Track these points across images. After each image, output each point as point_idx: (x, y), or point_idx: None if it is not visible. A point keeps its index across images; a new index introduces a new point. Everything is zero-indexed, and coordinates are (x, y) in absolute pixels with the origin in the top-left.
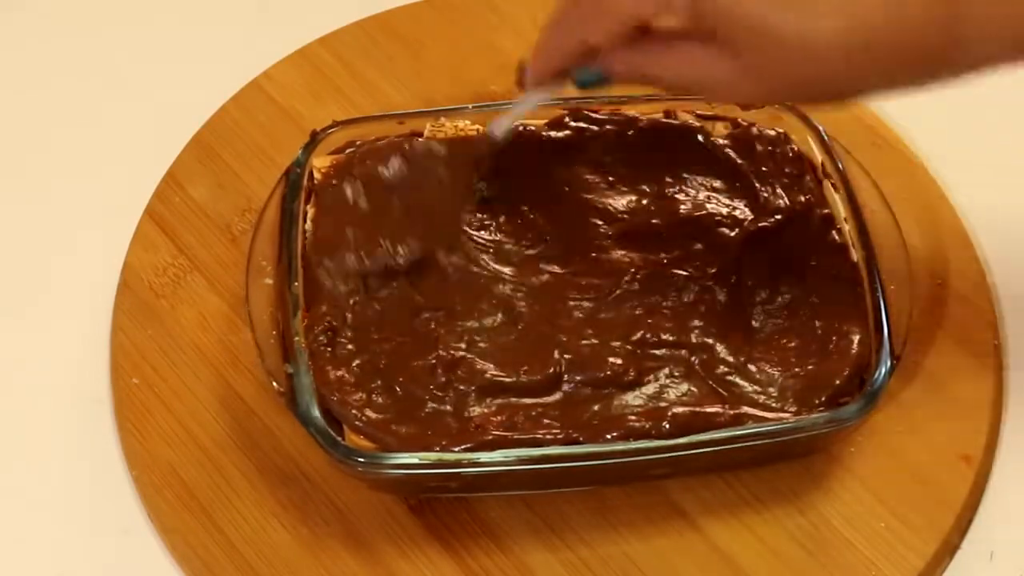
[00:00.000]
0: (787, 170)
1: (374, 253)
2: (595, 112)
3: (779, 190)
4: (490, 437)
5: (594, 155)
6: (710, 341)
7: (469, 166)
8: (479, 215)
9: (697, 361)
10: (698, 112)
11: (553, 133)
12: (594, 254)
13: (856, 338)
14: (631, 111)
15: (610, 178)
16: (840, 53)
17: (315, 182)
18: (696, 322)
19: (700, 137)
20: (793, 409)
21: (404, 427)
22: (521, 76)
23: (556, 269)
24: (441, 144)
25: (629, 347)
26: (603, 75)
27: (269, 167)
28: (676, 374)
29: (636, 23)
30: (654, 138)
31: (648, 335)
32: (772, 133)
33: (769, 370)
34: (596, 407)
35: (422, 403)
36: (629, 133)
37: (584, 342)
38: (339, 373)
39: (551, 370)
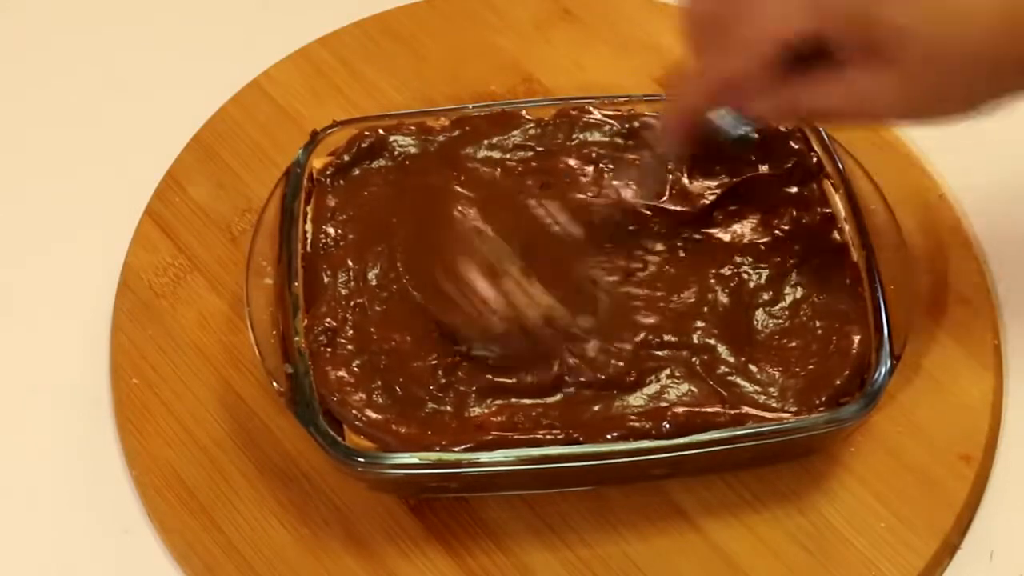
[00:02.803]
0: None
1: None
2: (595, 111)
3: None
4: (490, 437)
5: (590, 153)
6: (711, 342)
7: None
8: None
9: (698, 362)
10: None
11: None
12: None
13: (856, 338)
14: (631, 111)
15: (608, 177)
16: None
17: (315, 182)
18: (698, 323)
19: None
20: (793, 409)
21: (404, 427)
22: (655, 137)
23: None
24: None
25: (630, 348)
26: (755, 122)
27: (269, 167)
28: (677, 374)
29: (781, 48)
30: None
31: (650, 336)
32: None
33: (770, 370)
34: (596, 407)
35: (422, 403)
36: (628, 130)
37: (586, 344)
38: (339, 373)
39: (552, 371)
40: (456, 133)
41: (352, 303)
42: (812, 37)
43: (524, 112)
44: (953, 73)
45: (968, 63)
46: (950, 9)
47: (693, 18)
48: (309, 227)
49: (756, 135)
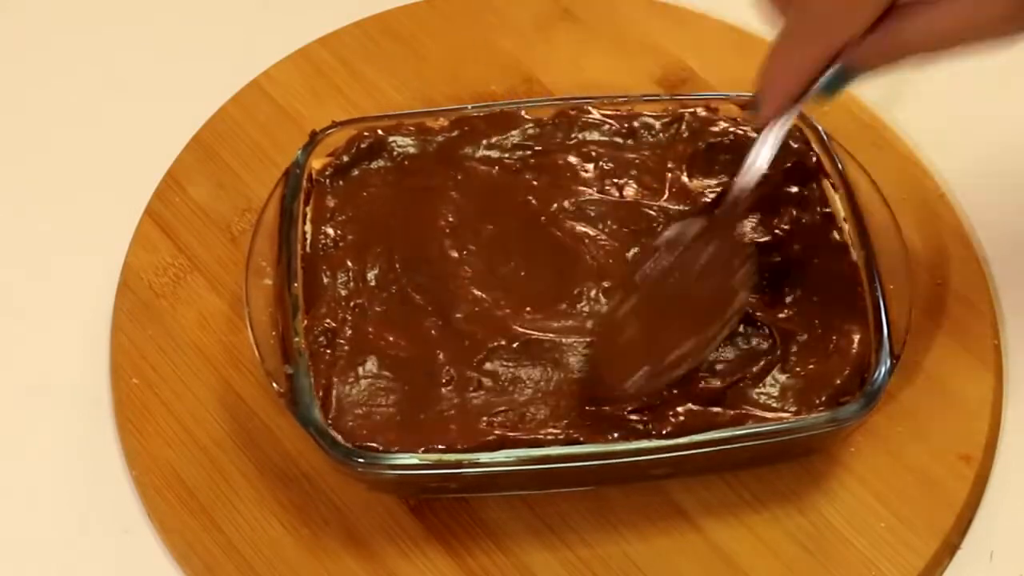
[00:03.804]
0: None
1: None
2: (596, 110)
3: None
4: (490, 437)
5: (589, 152)
6: None
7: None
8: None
9: None
10: (698, 112)
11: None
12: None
13: (856, 338)
14: (631, 110)
15: (608, 176)
16: None
17: (315, 182)
18: None
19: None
20: (793, 409)
21: (404, 427)
22: (754, 109)
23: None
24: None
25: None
26: (848, 70)
27: (269, 167)
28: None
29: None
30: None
31: None
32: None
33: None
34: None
35: (422, 403)
36: (627, 128)
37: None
38: (339, 374)
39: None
40: (455, 133)
41: (352, 304)
42: None
43: (524, 112)
44: None
45: None
46: None
47: None
48: (308, 228)
49: (855, 73)
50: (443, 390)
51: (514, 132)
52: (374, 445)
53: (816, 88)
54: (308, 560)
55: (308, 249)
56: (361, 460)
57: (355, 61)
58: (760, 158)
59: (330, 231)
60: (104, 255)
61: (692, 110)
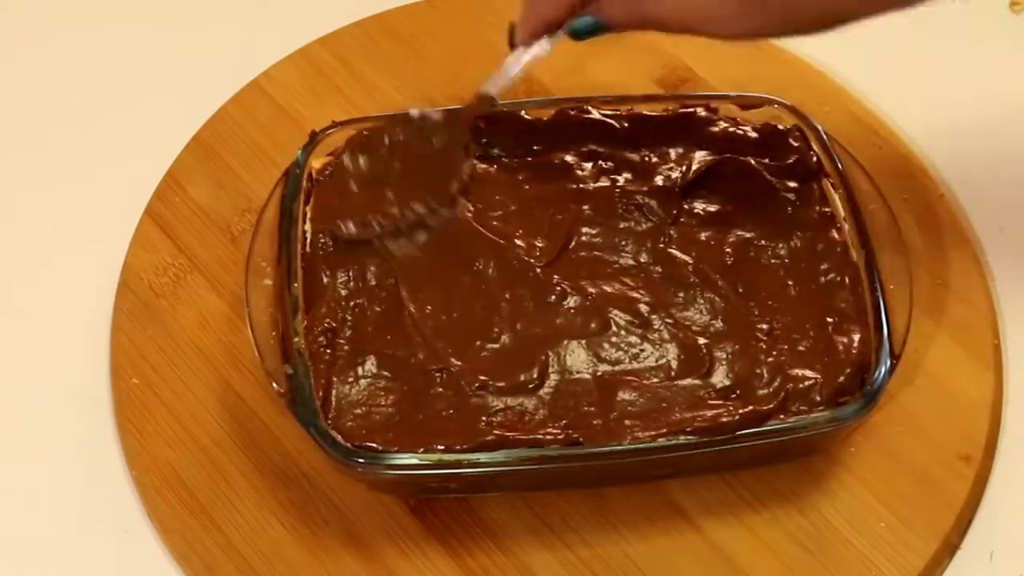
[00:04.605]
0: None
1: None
2: (596, 110)
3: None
4: (490, 437)
5: (593, 145)
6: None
7: (465, 127)
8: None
9: None
10: (698, 112)
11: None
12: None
13: (856, 338)
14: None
15: (609, 172)
16: None
17: (315, 182)
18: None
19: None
20: (794, 409)
21: (404, 427)
22: (512, 35)
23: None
24: (436, 111)
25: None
26: (600, 23)
27: (269, 167)
28: None
29: None
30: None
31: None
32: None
33: None
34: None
35: (422, 403)
36: (626, 126)
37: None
38: (339, 374)
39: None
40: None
41: (351, 304)
42: None
43: (524, 112)
44: None
45: None
46: None
47: None
48: (308, 227)
49: (604, 28)
50: (443, 389)
51: (514, 132)
52: (374, 445)
53: (565, 28)
54: (308, 560)
55: (308, 249)
56: (361, 460)
57: (355, 61)
58: (505, 71)
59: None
60: (104, 255)
61: (692, 110)
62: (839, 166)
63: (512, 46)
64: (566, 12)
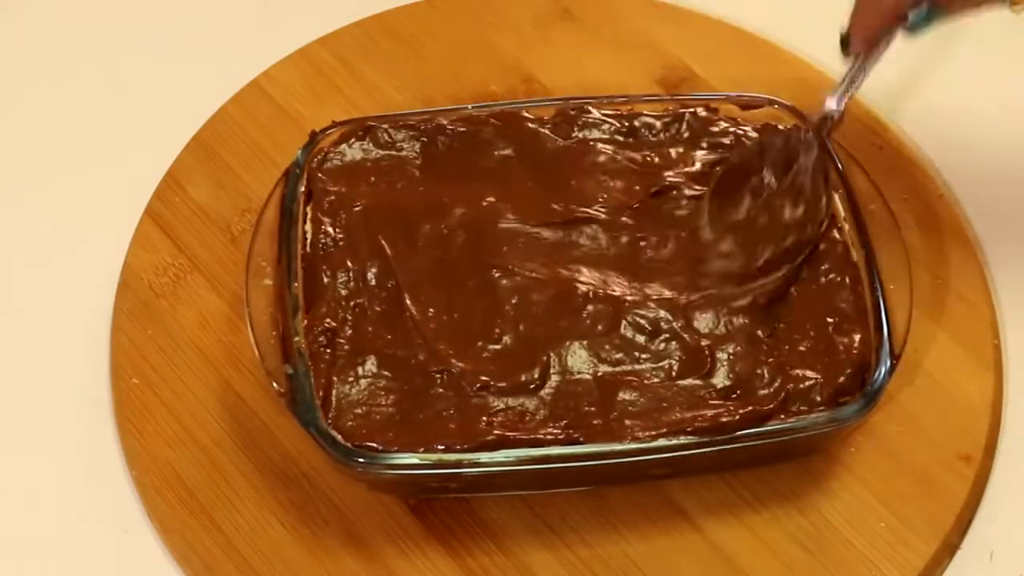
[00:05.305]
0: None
1: None
2: (596, 109)
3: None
4: (490, 437)
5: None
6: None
7: (822, 151)
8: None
9: None
10: (698, 112)
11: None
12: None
13: (856, 338)
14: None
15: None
16: None
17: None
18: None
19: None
20: (794, 409)
21: (404, 427)
22: (844, 43)
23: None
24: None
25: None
26: (934, 11)
27: (269, 167)
28: None
29: None
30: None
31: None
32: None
33: None
34: (596, 407)
35: (422, 403)
36: (627, 127)
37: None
38: (339, 374)
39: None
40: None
41: (352, 303)
42: None
43: (524, 112)
44: None
45: None
46: None
47: None
48: (308, 227)
49: (941, 14)
50: (444, 389)
51: (515, 132)
52: (374, 445)
53: (903, 25)
54: (308, 560)
55: (308, 249)
56: (361, 460)
57: (355, 61)
58: (849, 84)
59: (330, 230)
60: (104, 255)
61: (692, 110)
62: (839, 166)
63: (846, 55)
64: (904, 6)
